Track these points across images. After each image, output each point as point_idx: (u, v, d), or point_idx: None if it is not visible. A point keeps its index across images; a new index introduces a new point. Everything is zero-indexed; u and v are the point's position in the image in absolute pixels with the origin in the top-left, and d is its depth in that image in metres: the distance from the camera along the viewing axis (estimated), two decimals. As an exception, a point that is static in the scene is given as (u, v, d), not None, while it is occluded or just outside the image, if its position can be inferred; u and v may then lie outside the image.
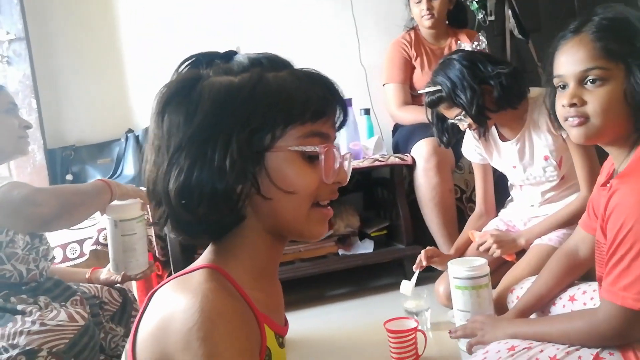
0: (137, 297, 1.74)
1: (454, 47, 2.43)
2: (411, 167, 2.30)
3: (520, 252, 1.84)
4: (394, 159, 2.29)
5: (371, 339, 1.75)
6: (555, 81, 1.08)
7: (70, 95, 2.58)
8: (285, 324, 0.81)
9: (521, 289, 1.52)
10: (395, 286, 1.88)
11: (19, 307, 1.27)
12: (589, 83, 1.02)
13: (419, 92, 2.12)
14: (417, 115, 2.37)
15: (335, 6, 2.81)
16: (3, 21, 2.39)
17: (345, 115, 0.77)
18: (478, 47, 1.85)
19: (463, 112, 1.74)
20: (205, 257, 0.74)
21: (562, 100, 1.05)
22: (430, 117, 1.90)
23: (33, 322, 1.21)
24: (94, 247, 1.92)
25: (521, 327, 1.20)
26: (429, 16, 2.47)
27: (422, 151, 2.24)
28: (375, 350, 1.67)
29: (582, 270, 1.38)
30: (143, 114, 2.63)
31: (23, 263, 1.36)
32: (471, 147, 2.02)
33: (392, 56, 2.57)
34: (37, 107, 2.42)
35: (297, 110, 0.70)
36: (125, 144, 2.50)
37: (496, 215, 2.06)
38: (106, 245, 1.85)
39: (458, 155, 2.24)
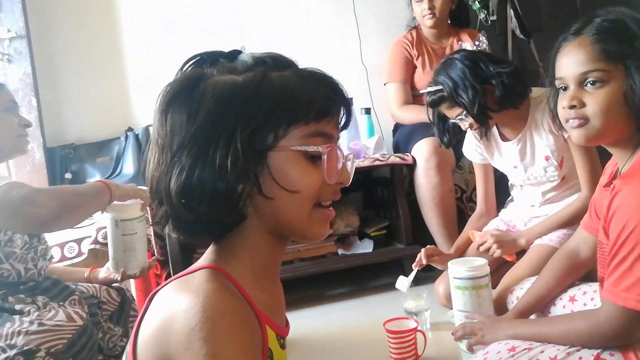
0: (135, 297, 1.74)
1: (456, 47, 2.43)
2: (411, 167, 2.30)
3: (521, 252, 1.84)
4: (394, 159, 2.29)
5: (370, 339, 1.75)
6: (557, 83, 1.09)
7: (70, 93, 2.57)
8: (286, 325, 0.80)
9: (521, 290, 1.52)
10: (395, 286, 1.88)
11: (17, 307, 1.26)
12: (588, 85, 1.02)
13: (420, 91, 2.11)
14: (417, 114, 2.37)
15: (336, 6, 2.80)
16: (4, 19, 2.38)
17: (349, 115, 0.76)
18: (479, 47, 1.85)
19: (464, 112, 1.74)
20: (206, 257, 0.73)
21: (562, 102, 1.06)
22: (431, 117, 1.90)
23: (31, 322, 1.20)
24: (92, 246, 1.91)
25: (521, 327, 1.20)
26: (431, 15, 2.47)
27: (422, 151, 2.24)
28: (374, 349, 1.67)
29: (582, 271, 1.38)
30: (143, 112, 2.62)
31: (21, 262, 1.35)
32: (472, 147, 2.01)
33: (394, 55, 2.57)
34: (37, 106, 2.41)
35: (300, 110, 0.69)
36: (124, 143, 2.49)
37: (497, 215, 2.06)
38: (104, 244, 1.86)
39: (459, 155, 2.24)
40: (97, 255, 1.90)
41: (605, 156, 1.20)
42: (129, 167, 2.45)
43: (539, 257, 1.70)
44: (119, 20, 2.62)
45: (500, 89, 1.70)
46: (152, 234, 2.06)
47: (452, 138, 1.90)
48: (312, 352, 1.76)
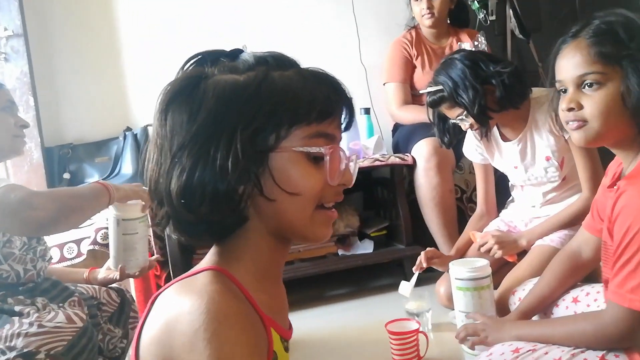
0: (135, 298, 1.73)
1: (455, 47, 2.42)
2: (411, 167, 2.30)
3: (522, 253, 1.83)
4: (394, 159, 2.28)
5: (371, 340, 1.74)
6: (557, 85, 1.10)
7: (68, 92, 2.56)
8: (289, 327, 0.80)
9: (523, 291, 1.51)
10: (395, 287, 1.87)
11: (16, 309, 1.25)
12: (586, 87, 1.03)
13: (420, 92, 2.11)
14: (417, 114, 2.37)
15: (336, 6, 2.80)
16: (1, 17, 2.37)
17: (352, 116, 0.76)
18: (478, 47, 1.85)
19: (465, 112, 1.73)
20: (208, 259, 0.73)
21: (561, 105, 1.07)
22: (431, 117, 1.89)
23: (31, 324, 1.19)
24: (91, 247, 1.90)
25: (525, 329, 1.20)
26: (429, 15, 2.46)
27: (422, 151, 2.23)
28: (375, 350, 1.67)
29: (585, 272, 1.37)
30: (141, 112, 2.61)
31: (20, 263, 1.34)
32: (472, 147, 2.01)
33: (393, 55, 2.56)
34: (35, 105, 2.40)
35: (302, 110, 0.69)
36: (123, 143, 2.48)
37: (497, 216, 2.05)
38: (104, 245, 1.86)
39: (459, 155, 2.23)
40: (96, 256, 1.90)
41: (607, 157, 1.20)
42: (127, 167, 2.44)
43: (541, 258, 1.70)
44: (118, 19, 2.61)
45: (500, 89, 1.70)
46: (151, 234, 2.05)
47: (453, 138, 1.90)
48: (313, 353, 1.76)
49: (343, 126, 0.75)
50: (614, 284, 1.00)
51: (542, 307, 1.38)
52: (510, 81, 1.70)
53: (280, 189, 0.69)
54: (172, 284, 0.68)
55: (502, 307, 1.59)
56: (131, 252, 1.45)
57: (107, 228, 1.84)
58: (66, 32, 2.55)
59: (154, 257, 1.59)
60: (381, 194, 2.56)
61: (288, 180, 0.69)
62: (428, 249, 1.92)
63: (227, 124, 0.66)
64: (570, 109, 1.04)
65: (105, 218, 1.79)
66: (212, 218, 0.68)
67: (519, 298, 1.50)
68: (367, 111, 2.58)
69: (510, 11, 2.81)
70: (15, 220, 1.23)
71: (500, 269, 1.86)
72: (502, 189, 2.09)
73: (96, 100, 2.59)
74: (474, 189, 2.26)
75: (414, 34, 2.57)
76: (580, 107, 1.03)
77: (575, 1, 3.12)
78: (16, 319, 1.22)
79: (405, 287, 1.82)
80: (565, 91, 1.07)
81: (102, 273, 1.55)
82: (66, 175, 2.41)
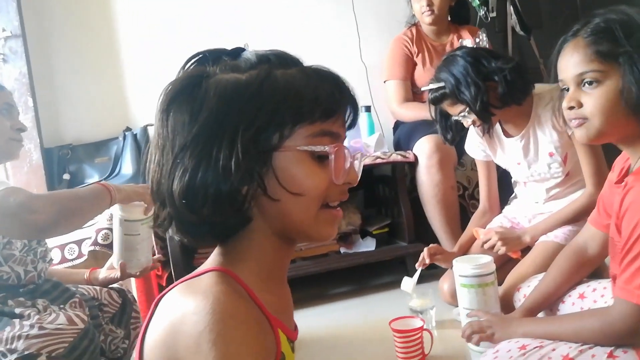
0: (136, 298, 1.72)
1: (456, 44, 2.42)
2: (413, 164, 2.29)
3: (525, 250, 1.82)
4: (395, 156, 2.27)
5: (374, 337, 1.74)
6: (560, 84, 1.11)
7: (67, 93, 2.55)
8: (294, 329, 0.79)
9: (528, 287, 1.51)
10: (398, 284, 1.87)
11: (17, 311, 1.25)
12: (586, 85, 1.04)
13: (422, 89, 2.10)
14: (418, 112, 2.36)
15: (336, 4, 2.79)
16: (-1, 18, 2.36)
17: (356, 114, 0.75)
18: (479, 44, 1.84)
19: (467, 109, 1.72)
20: (212, 259, 0.72)
21: (563, 103, 1.08)
22: (433, 114, 1.88)
23: (31, 326, 1.19)
24: (92, 248, 1.89)
25: (532, 326, 1.19)
26: (429, 12, 2.45)
27: (424, 148, 2.22)
28: (378, 348, 1.66)
29: (591, 268, 1.37)
30: (141, 111, 2.60)
31: (21, 265, 1.33)
32: (474, 144, 2.00)
33: (394, 52, 2.55)
34: (34, 106, 2.39)
35: (306, 109, 0.68)
36: (123, 143, 2.47)
37: (500, 213, 2.04)
38: (104, 245, 1.85)
39: (460, 152, 2.22)
40: (97, 257, 1.89)
41: (611, 152, 1.19)
42: (127, 167, 2.43)
43: (544, 254, 1.69)
44: (117, 19, 2.60)
45: (502, 85, 1.69)
46: (152, 234, 2.04)
47: (456, 135, 1.89)
48: (316, 351, 1.75)
49: (347, 124, 0.74)
50: (622, 280, 0.99)
51: (548, 303, 1.37)
52: (512, 77, 1.69)
53: (284, 189, 0.68)
54: (175, 285, 0.67)
55: (506, 304, 1.58)
56: (132, 253, 1.45)
57: (108, 229, 1.84)
58: (65, 32, 2.54)
59: (155, 257, 1.58)
60: (383, 191, 2.55)
61: (292, 179, 0.68)
62: (431, 245, 1.91)
63: (229, 123, 0.65)
64: (570, 108, 1.05)
65: (110, 214, 1.79)
66: (215, 219, 0.67)
67: (524, 295, 1.50)
68: (368, 109, 2.58)
69: (511, 8, 2.79)
70: (15, 224, 1.21)
71: (503, 265, 1.86)
72: (504, 186, 2.08)
73: (96, 101, 2.58)
74: (476, 186, 2.25)
75: (414, 31, 2.56)
76: (581, 105, 1.05)
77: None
78: (17, 321, 1.21)
79: (408, 283, 1.81)
80: (568, 90, 1.08)
81: (103, 273, 1.55)
82: (66, 176, 2.40)
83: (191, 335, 0.59)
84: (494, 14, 2.80)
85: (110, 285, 1.55)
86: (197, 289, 0.63)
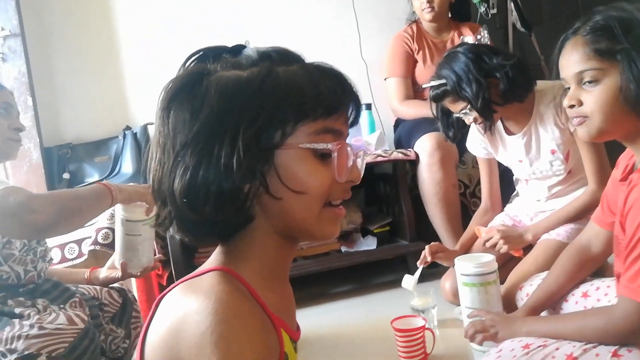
0: (137, 298, 1.72)
1: (457, 41, 2.41)
2: (414, 162, 2.28)
3: (527, 248, 1.81)
4: (396, 154, 2.27)
5: (375, 336, 1.73)
6: (562, 83, 1.11)
7: (66, 92, 2.54)
8: (297, 329, 0.78)
9: (531, 286, 1.50)
10: (399, 283, 1.86)
11: (17, 311, 1.24)
12: (586, 84, 1.04)
13: (423, 86, 2.09)
14: (419, 109, 2.35)
15: (336, 2, 2.78)
16: (-3, 17, 2.35)
17: (359, 111, 0.74)
18: (481, 41, 1.83)
19: (469, 106, 1.71)
20: (214, 259, 0.71)
21: (564, 102, 1.09)
22: (435, 112, 1.87)
23: (31, 326, 1.18)
24: (92, 247, 1.89)
25: (535, 324, 1.19)
26: (430, 9, 2.45)
27: (425, 146, 2.22)
28: (379, 347, 1.65)
29: (594, 266, 1.36)
30: (141, 110, 2.60)
31: (20, 264, 1.33)
32: (476, 142, 1.99)
33: (394, 50, 2.54)
34: (33, 105, 2.39)
35: (308, 106, 0.67)
36: (123, 142, 2.46)
37: (502, 211, 2.03)
38: (105, 245, 1.85)
39: (462, 150, 2.21)
40: (97, 256, 1.88)
41: (614, 149, 1.19)
42: (127, 166, 2.42)
43: (547, 252, 1.69)
44: (117, 18, 2.59)
45: (504, 82, 1.68)
46: (154, 234, 2.04)
47: (457, 132, 1.88)
48: (317, 350, 1.74)
49: (350, 121, 0.73)
50: (626, 278, 0.99)
51: (551, 302, 1.37)
52: (514, 74, 1.68)
53: (286, 187, 0.67)
54: (177, 285, 0.66)
55: (508, 303, 1.57)
56: (133, 253, 1.44)
57: (108, 228, 1.84)
58: (65, 31, 2.53)
59: (156, 257, 1.57)
60: (384, 189, 2.55)
61: (295, 177, 0.67)
62: (433, 243, 1.91)
63: (230, 121, 0.65)
64: (571, 106, 1.06)
65: (110, 213, 1.78)
66: (216, 218, 0.67)
67: (527, 293, 1.49)
68: (368, 107, 2.57)
69: (512, 4, 2.79)
70: (15, 224, 1.21)
71: (505, 263, 1.85)
72: (506, 183, 2.08)
73: (95, 100, 2.57)
74: (477, 184, 2.24)
75: (414, 28, 2.55)
76: (581, 103, 1.05)
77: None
78: (16, 321, 1.20)
79: (409, 280, 1.80)
80: (569, 88, 1.08)
81: (103, 273, 1.54)
82: (66, 175, 2.40)
83: (194, 335, 0.58)
84: (494, 11, 2.79)
85: (110, 285, 1.54)
86: (199, 288, 0.62)
